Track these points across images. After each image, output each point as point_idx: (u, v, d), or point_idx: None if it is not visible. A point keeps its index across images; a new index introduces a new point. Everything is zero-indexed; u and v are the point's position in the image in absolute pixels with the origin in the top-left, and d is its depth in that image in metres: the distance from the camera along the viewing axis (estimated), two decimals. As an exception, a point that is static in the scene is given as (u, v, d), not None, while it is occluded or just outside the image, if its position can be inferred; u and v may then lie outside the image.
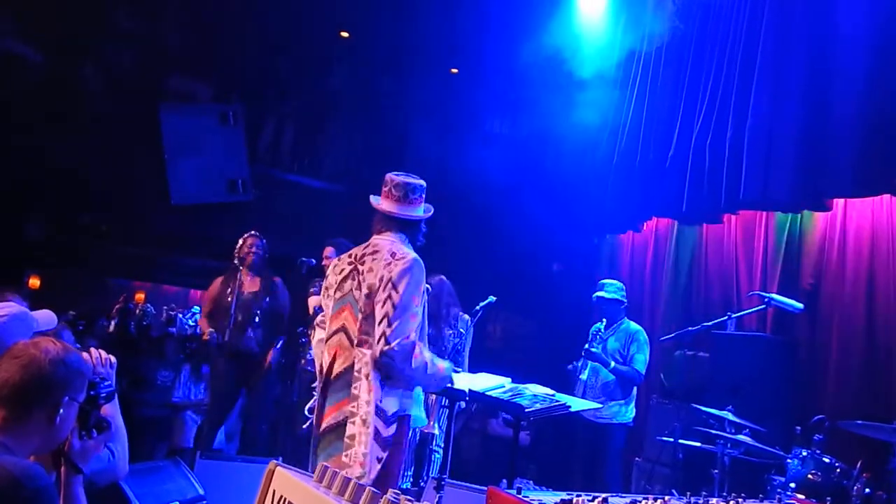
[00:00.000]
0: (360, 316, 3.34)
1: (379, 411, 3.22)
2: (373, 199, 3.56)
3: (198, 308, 9.83)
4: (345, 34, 9.48)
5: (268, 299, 5.99)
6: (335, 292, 3.51)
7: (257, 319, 5.93)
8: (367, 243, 3.52)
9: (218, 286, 6.11)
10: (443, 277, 5.87)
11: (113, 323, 8.72)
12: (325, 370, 3.43)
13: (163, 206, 8.17)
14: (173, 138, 8.19)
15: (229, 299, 5.82)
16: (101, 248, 8.83)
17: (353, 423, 3.25)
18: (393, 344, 3.18)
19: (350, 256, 3.53)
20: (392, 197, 3.49)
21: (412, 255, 3.38)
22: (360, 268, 3.42)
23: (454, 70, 9.49)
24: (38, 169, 7.47)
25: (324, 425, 3.35)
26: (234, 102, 8.60)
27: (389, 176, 3.54)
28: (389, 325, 3.21)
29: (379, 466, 3.18)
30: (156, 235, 8.58)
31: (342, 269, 3.51)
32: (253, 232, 6.14)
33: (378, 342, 3.22)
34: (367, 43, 9.22)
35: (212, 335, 5.89)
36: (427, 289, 4.64)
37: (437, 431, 5.69)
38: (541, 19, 7.57)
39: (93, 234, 8.53)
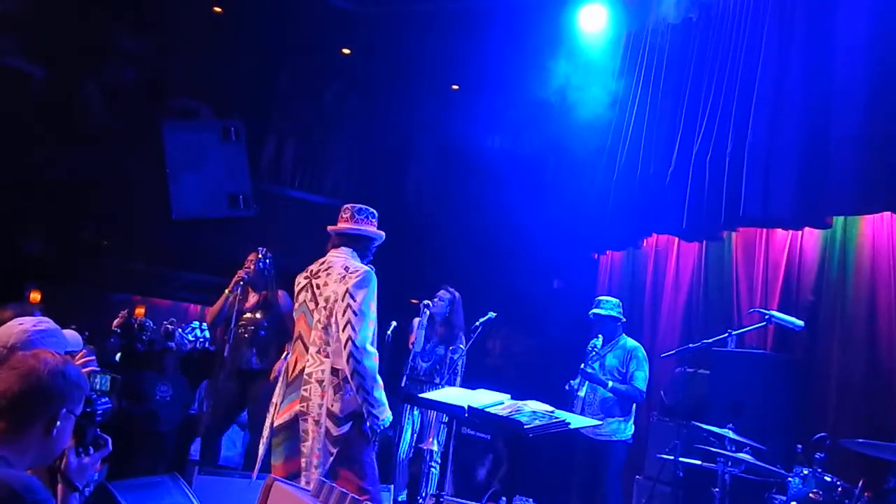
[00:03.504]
0: (319, 326, 3.76)
1: (330, 414, 3.62)
2: (329, 228, 4.03)
3: (197, 323, 9.83)
4: (346, 51, 9.55)
5: (264, 316, 5.91)
6: (294, 303, 4.02)
7: (257, 336, 5.86)
8: (322, 260, 3.94)
9: (221, 299, 6.03)
10: None
11: (114, 338, 8.71)
12: (287, 372, 3.88)
13: (164, 221, 8.18)
14: (175, 153, 8.23)
15: (228, 312, 5.79)
16: (101, 262, 8.83)
17: (306, 420, 3.68)
18: (359, 345, 3.60)
19: (307, 272, 3.97)
20: (343, 218, 4.01)
21: (364, 267, 3.81)
22: (314, 282, 3.86)
23: (455, 86, 9.53)
24: (39, 183, 7.49)
25: (277, 422, 3.79)
26: (235, 118, 8.64)
27: (343, 206, 4.07)
28: (354, 330, 3.63)
29: (332, 458, 3.59)
30: (156, 250, 8.59)
31: (299, 283, 4.01)
32: (259, 248, 6.04)
33: (345, 346, 3.62)
34: (367, 59, 9.28)
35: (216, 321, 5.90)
36: (428, 305, 5.02)
37: (435, 447, 5.67)
38: (542, 36, 7.61)
39: (94, 248, 8.53)
